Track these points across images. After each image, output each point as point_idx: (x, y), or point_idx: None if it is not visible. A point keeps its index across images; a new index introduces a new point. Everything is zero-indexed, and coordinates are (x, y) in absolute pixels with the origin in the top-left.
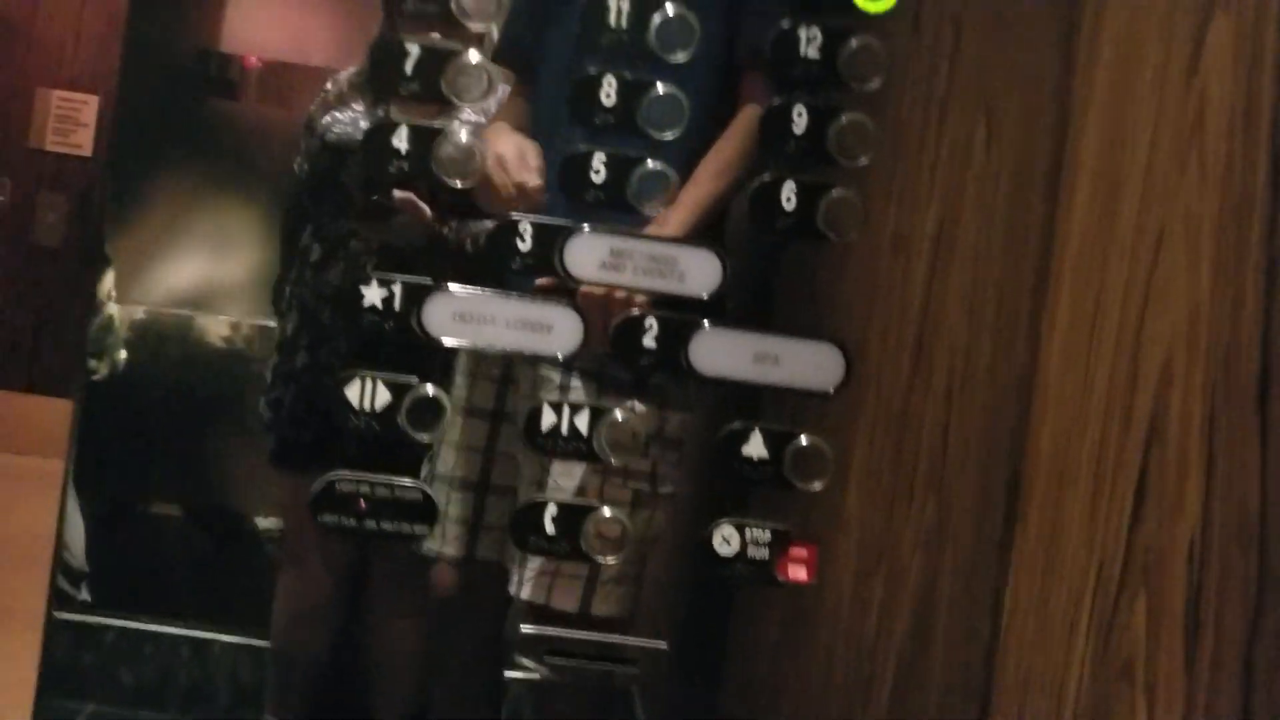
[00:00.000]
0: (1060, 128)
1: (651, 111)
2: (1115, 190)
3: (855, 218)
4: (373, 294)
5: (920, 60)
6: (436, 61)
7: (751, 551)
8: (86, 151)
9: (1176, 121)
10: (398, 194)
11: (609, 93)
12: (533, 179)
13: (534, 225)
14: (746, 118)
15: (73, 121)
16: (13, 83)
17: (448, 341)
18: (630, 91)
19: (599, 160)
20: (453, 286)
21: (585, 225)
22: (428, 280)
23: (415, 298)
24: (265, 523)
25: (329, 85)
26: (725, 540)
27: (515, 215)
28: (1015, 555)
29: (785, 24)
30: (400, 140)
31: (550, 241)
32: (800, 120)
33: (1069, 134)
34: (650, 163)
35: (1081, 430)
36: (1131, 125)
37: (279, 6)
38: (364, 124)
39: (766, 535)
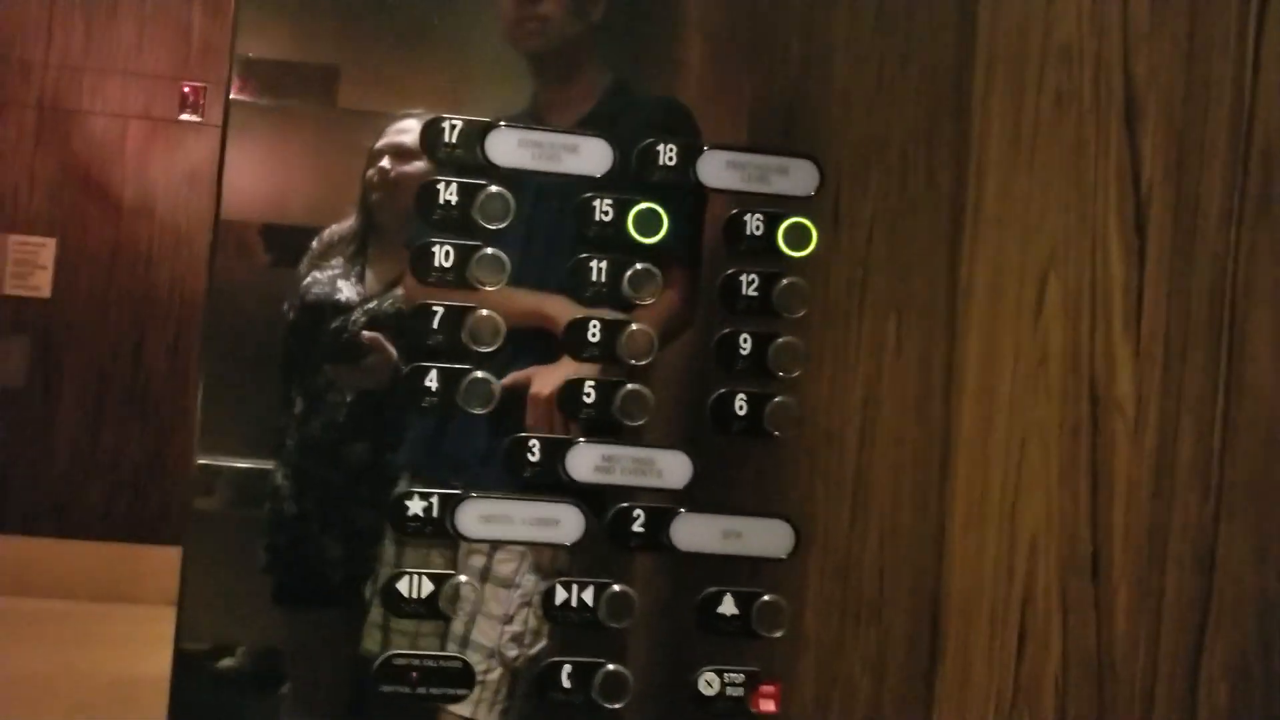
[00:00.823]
0: (949, 340)
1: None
2: (991, 398)
3: (793, 418)
4: (415, 505)
5: (839, 274)
6: (457, 317)
7: (729, 691)
8: (46, 293)
9: (1029, 353)
10: (366, 334)
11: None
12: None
13: (540, 439)
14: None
15: (31, 264)
16: None
17: (475, 536)
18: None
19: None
20: (478, 494)
21: (581, 439)
22: (459, 490)
23: (449, 505)
24: None
25: (314, 242)
26: (708, 684)
27: (524, 433)
28: (939, 682)
29: (729, 270)
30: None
31: (554, 453)
32: (745, 344)
33: (955, 348)
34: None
35: (979, 586)
36: (1000, 349)
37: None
38: (341, 283)
39: (741, 676)
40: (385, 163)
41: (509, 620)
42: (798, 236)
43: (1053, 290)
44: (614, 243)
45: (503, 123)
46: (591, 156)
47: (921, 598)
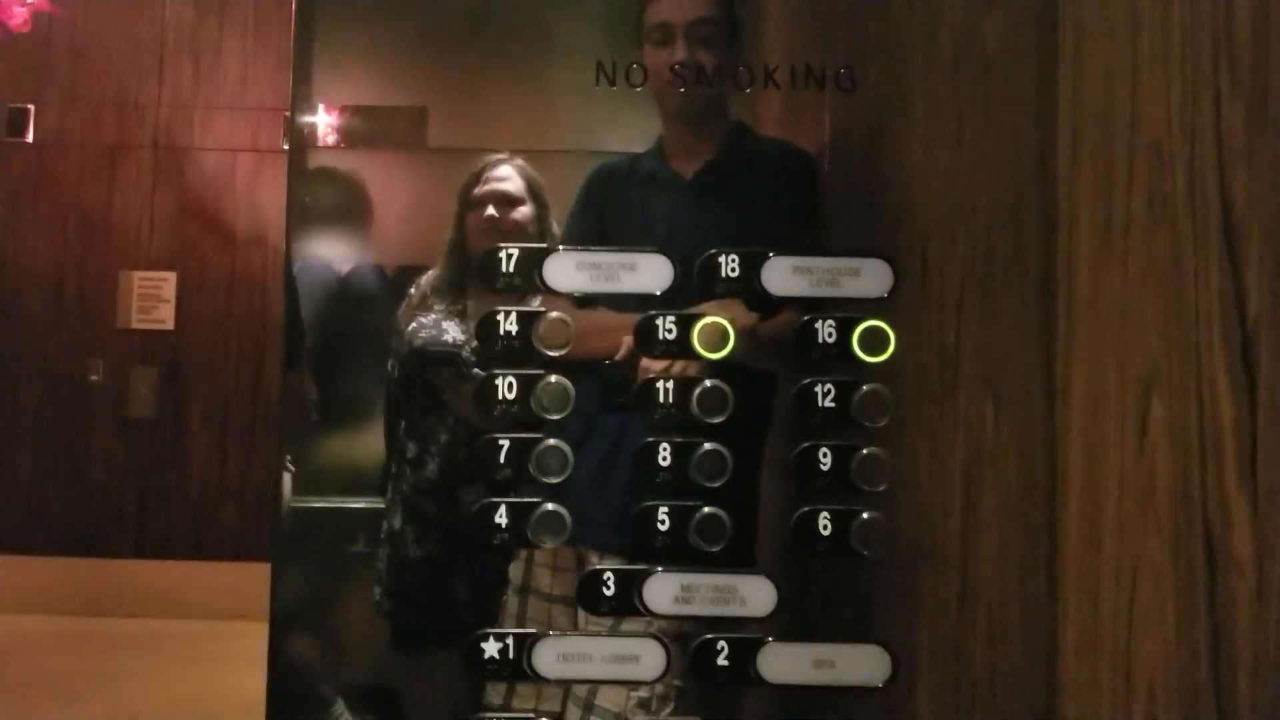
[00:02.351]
0: (1050, 438)
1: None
2: (1099, 513)
3: (882, 535)
4: (490, 648)
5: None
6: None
7: None
8: (169, 325)
9: (1135, 479)
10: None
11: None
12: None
13: (614, 572)
14: None
15: (154, 299)
16: (97, 267)
17: (554, 676)
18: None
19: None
20: (554, 633)
21: (659, 567)
22: (533, 630)
23: (525, 644)
24: None
25: (412, 290)
26: None
27: (597, 565)
28: None
29: (804, 380)
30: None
31: (631, 582)
32: (826, 458)
33: (1056, 451)
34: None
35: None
36: (1104, 465)
37: None
38: (445, 324)
39: None
40: (491, 210)
41: (636, 687)
42: (874, 341)
43: (1157, 413)
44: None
45: (561, 247)
46: (651, 273)
47: None
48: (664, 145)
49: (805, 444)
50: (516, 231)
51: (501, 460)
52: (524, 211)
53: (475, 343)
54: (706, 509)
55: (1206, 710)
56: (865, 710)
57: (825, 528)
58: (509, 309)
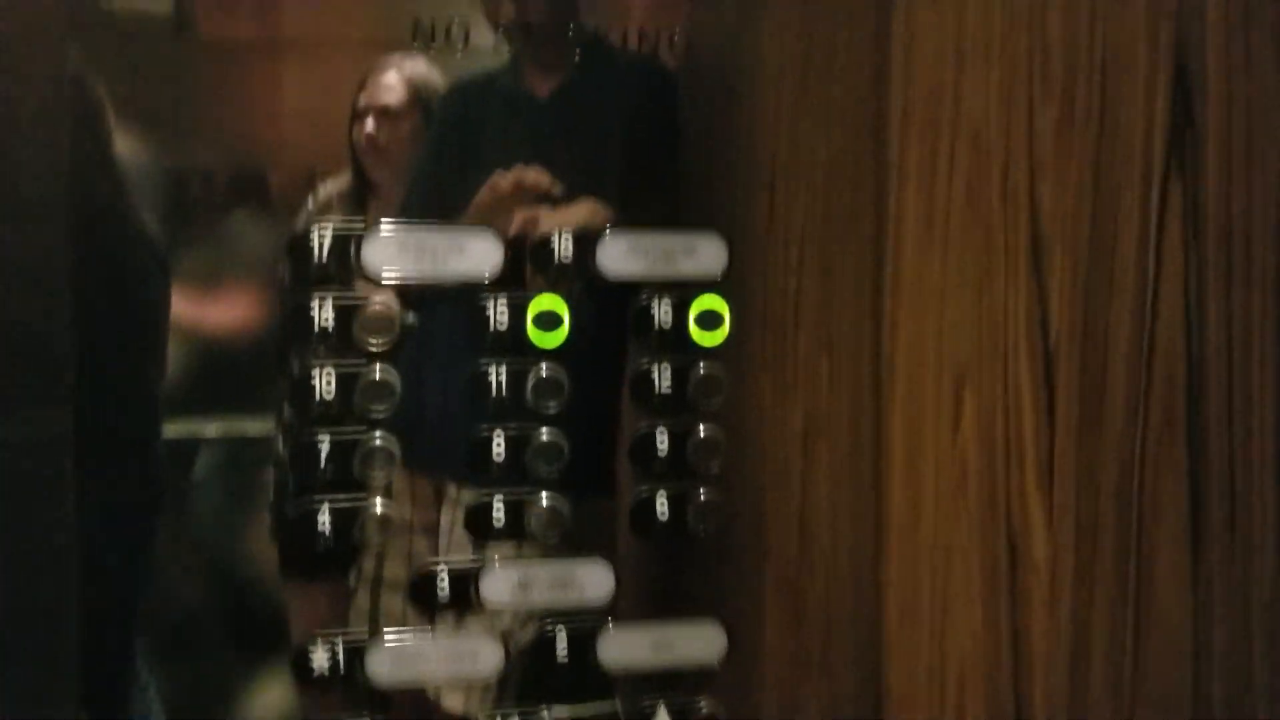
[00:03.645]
0: (875, 409)
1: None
2: (918, 489)
3: (718, 515)
4: (319, 660)
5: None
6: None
7: None
8: None
9: (949, 465)
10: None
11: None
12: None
13: (449, 569)
14: None
15: None
16: None
17: (389, 683)
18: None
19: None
20: (388, 637)
21: (495, 559)
22: (362, 638)
23: (357, 655)
24: None
25: (309, 200)
26: None
27: (431, 560)
28: None
29: (643, 361)
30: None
31: (467, 580)
32: (662, 443)
33: (880, 421)
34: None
35: (915, 694)
36: (923, 442)
37: None
38: None
39: None
40: (370, 126)
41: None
42: (709, 320)
43: (969, 406)
44: (513, 348)
45: (384, 225)
46: (479, 255)
47: (867, 690)
48: (518, 61)
49: (642, 428)
50: (397, 148)
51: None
52: (405, 127)
53: None
54: (545, 497)
55: (1005, 693)
56: (712, 687)
57: (663, 512)
58: (325, 295)
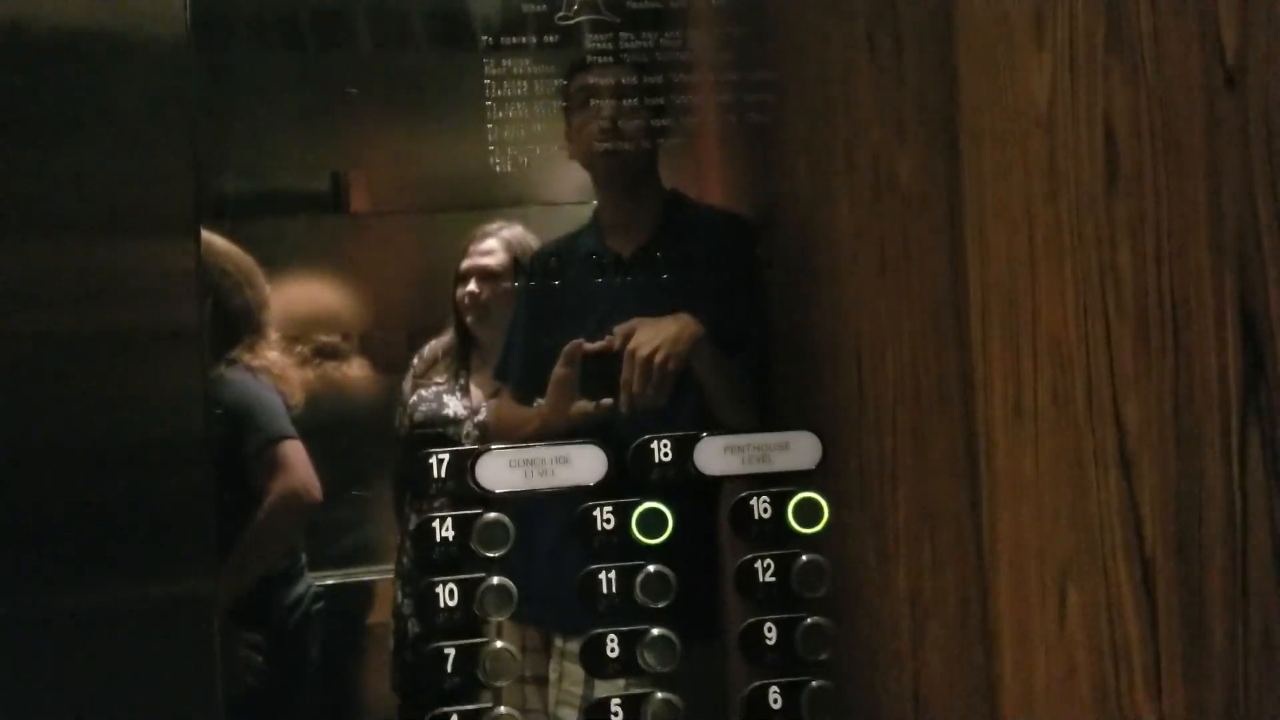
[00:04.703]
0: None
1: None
2: (1029, 680)
3: (831, 703)
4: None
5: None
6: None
7: None
8: None
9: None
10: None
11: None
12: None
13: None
14: None
15: None
16: None
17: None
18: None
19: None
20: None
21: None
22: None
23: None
24: None
25: (415, 360)
26: None
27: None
28: None
29: (745, 555)
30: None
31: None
32: (770, 633)
33: (987, 604)
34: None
35: None
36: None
37: None
38: (446, 398)
39: None
40: (474, 286)
41: None
42: (808, 513)
43: (1073, 600)
44: (619, 549)
45: (494, 446)
46: (585, 465)
47: None
48: (600, 219)
49: (749, 620)
50: (499, 307)
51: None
52: (507, 287)
53: (477, 417)
54: (659, 695)
55: None
56: None
57: (775, 702)
58: (444, 514)
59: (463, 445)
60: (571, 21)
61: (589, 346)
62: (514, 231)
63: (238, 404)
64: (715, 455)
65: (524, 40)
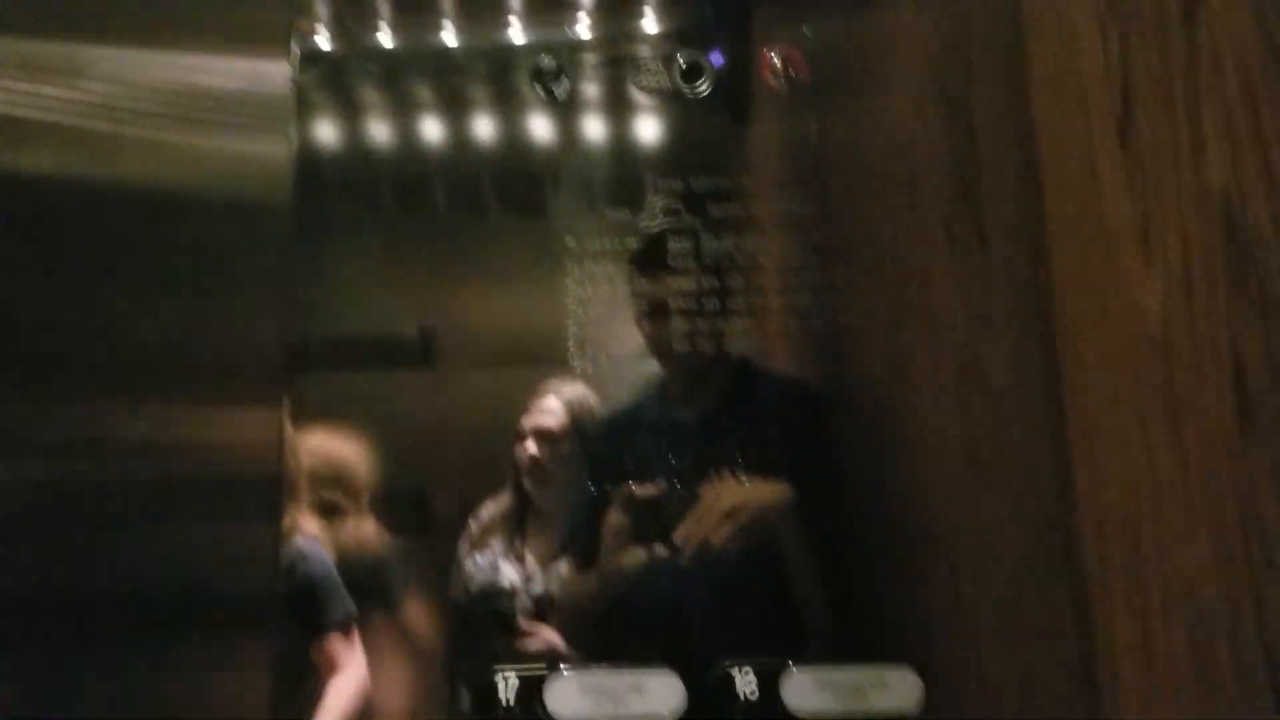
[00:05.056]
0: None
1: None
2: None
3: None
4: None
5: None
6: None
7: None
8: None
9: None
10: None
11: None
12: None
13: None
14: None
15: None
16: None
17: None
18: None
19: None
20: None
21: None
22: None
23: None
24: None
25: (472, 523)
26: None
27: None
28: None
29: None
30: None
31: None
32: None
33: None
34: None
35: None
36: None
37: None
38: (501, 564)
39: None
40: (532, 447)
41: None
42: None
43: None
44: None
45: (564, 669)
46: (659, 694)
47: None
48: (665, 390)
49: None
50: (557, 470)
51: None
52: (563, 450)
53: (533, 586)
54: None
55: None
56: None
57: None
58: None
59: (518, 619)
60: (655, 231)
61: (640, 491)
62: (575, 391)
63: (321, 576)
64: (806, 691)
65: (606, 246)
